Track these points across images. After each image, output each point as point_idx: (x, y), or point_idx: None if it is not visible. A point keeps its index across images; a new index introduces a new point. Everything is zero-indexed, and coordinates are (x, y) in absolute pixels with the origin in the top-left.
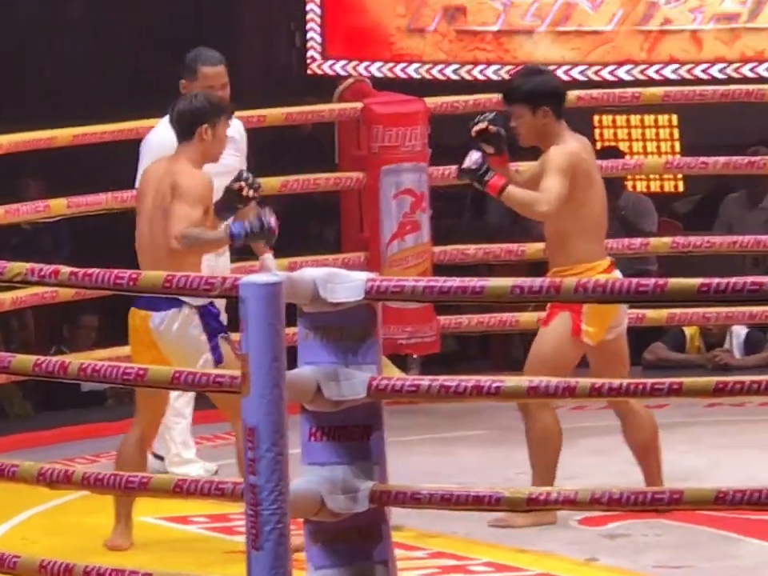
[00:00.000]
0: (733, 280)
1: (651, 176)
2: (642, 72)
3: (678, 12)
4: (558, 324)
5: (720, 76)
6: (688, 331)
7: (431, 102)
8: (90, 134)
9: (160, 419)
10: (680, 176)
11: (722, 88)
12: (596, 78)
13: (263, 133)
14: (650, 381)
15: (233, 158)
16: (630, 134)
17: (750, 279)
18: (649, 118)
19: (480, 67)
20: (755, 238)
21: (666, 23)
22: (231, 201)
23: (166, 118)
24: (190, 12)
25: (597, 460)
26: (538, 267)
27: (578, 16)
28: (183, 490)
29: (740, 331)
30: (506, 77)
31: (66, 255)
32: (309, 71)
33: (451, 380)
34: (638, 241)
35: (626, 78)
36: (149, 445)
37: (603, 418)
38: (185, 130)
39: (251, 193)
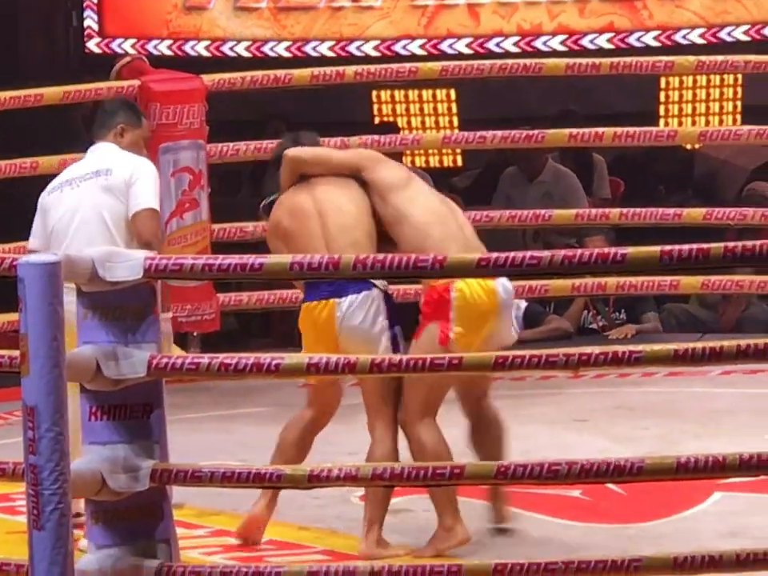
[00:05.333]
0: (512, 254)
1: (430, 151)
2: (419, 47)
3: None
4: (425, 337)
5: (498, 50)
6: None
7: (209, 79)
8: None
9: (332, 409)
10: (459, 151)
11: (499, 62)
12: (374, 54)
13: (43, 113)
14: (429, 356)
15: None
16: (408, 109)
17: (528, 253)
18: (427, 93)
19: (257, 44)
20: (534, 212)
21: None
22: None
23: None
24: None
25: None
26: None
27: None
28: None
29: (519, 305)
30: (284, 53)
31: None
32: (86, 50)
33: (231, 358)
34: None
35: (404, 53)
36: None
37: None
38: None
39: None
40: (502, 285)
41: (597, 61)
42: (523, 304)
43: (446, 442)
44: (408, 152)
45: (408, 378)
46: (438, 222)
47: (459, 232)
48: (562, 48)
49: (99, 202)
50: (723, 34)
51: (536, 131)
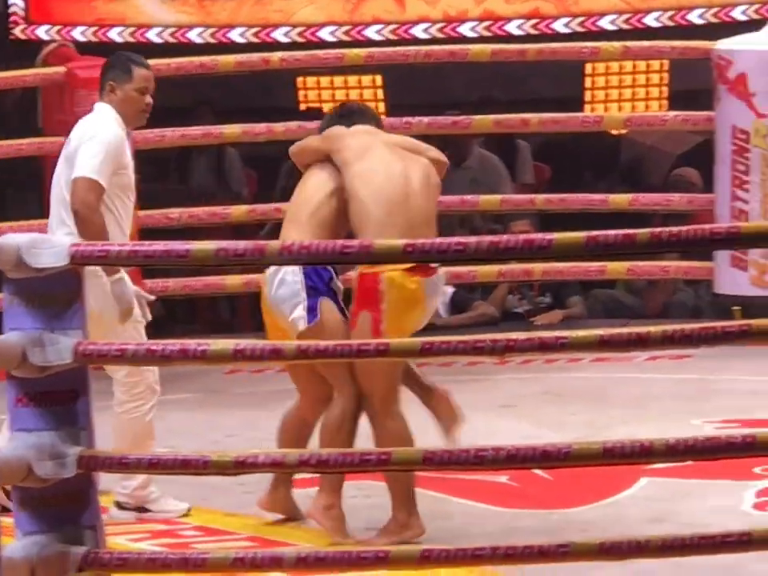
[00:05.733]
0: (438, 240)
1: None
2: (345, 33)
3: None
4: (360, 326)
5: (424, 36)
6: None
7: None
8: None
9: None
10: None
11: (425, 48)
12: (300, 40)
13: None
14: (356, 342)
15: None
16: (333, 95)
17: (455, 239)
18: (352, 79)
19: (183, 30)
20: (461, 197)
21: None
22: None
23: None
24: None
25: None
26: (242, 230)
27: None
28: None
29: (446, 290)
30: (210, 40)
31: None
32: (12, 37)
33: (157, 344)
34: None
35: (330, 39)
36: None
37: None
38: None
39: None
40: (433, 282)
41: (522, 47)
42: (450, 290)
43: (411, 431)
44: None
45: (361, 371)
46: (385, 201)
47: (406, 213)
48: (487, 34)
49: (60, 170)
50: (649, 20)
51: (462, 117)
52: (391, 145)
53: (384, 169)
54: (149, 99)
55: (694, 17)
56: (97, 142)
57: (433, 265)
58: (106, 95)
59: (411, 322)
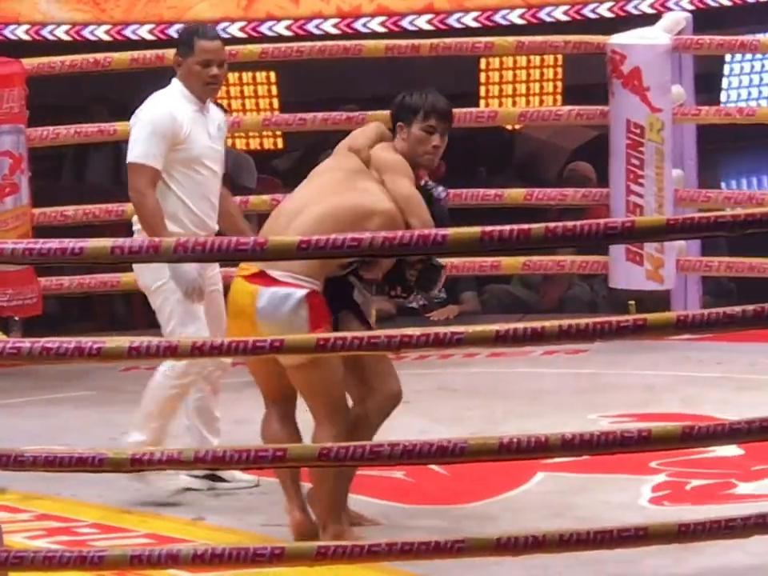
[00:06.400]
0: (332, 236)
1: (251, 133)
2: (239, 29)
3: None
4: None
5: (318, 32)
6: None
7: (28, 63)
8: None
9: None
10: (279, 133)
11: (319, 44)
12: None
13: None
14: (251, 339)
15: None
16: (228, 91)
17: (349, 235)
18: (247, 75)
19: (77, 27)
20: None
21: None
22: None
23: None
24: None
25: None
26: None
27: None
28: None
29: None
30: (105, 37)
31: None
32: None
33: (53, 342)
34: (237, 198)
35: (224, 35)
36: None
37: None
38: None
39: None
40: (270, 294)
41: (416, 42)
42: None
43: (281, 432)
44: (229, 134)
45: None
46: (284, 219)
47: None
48: (382, 30)
49: None
50: (543, 14)
51: (356, 113)
52: (348, 173)
53: (300, 194)
54: (214, 71)
55: (588, 11)
56: (141, 125)
57: (284, 279)
58: (176, 71)
59: (234, 329)
